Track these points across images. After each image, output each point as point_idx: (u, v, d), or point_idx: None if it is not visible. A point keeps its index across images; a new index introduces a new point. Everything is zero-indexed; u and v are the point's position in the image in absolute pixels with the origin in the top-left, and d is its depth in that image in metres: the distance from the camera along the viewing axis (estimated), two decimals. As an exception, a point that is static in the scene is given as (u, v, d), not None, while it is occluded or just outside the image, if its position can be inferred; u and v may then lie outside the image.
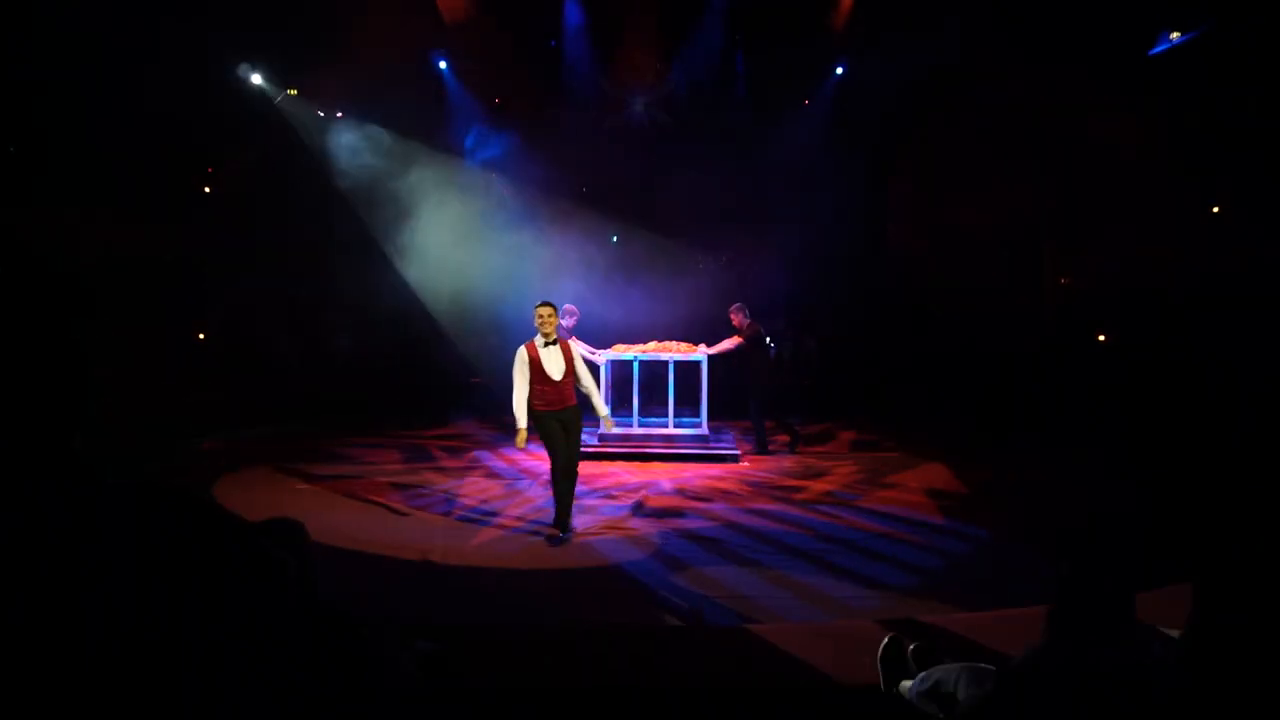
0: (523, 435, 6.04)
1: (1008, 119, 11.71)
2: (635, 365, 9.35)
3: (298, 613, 1.07)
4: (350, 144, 12.00)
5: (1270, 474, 6.73)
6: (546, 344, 5.98)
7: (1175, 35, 9.92)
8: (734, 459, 8.95)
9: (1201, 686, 1.55)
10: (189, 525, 1.01)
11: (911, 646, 3.20)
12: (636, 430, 9.29)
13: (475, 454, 9.41)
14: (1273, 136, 8.81)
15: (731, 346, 9.38)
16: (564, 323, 9.73)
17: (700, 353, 9.31)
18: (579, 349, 6.39)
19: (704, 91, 13.06)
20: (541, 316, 5.99)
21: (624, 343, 9.61)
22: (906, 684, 3.03)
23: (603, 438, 9.00)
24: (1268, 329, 8.57)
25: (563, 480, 6.07)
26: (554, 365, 5.96)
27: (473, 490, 7.63)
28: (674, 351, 9.37)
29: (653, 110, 13.32)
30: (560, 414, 6.02)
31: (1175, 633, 2.01)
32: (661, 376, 9.45)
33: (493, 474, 8.39)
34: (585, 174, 13.36)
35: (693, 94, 13.11)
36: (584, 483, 7.91)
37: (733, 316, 9.52)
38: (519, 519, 6.63)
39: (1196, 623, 1.58)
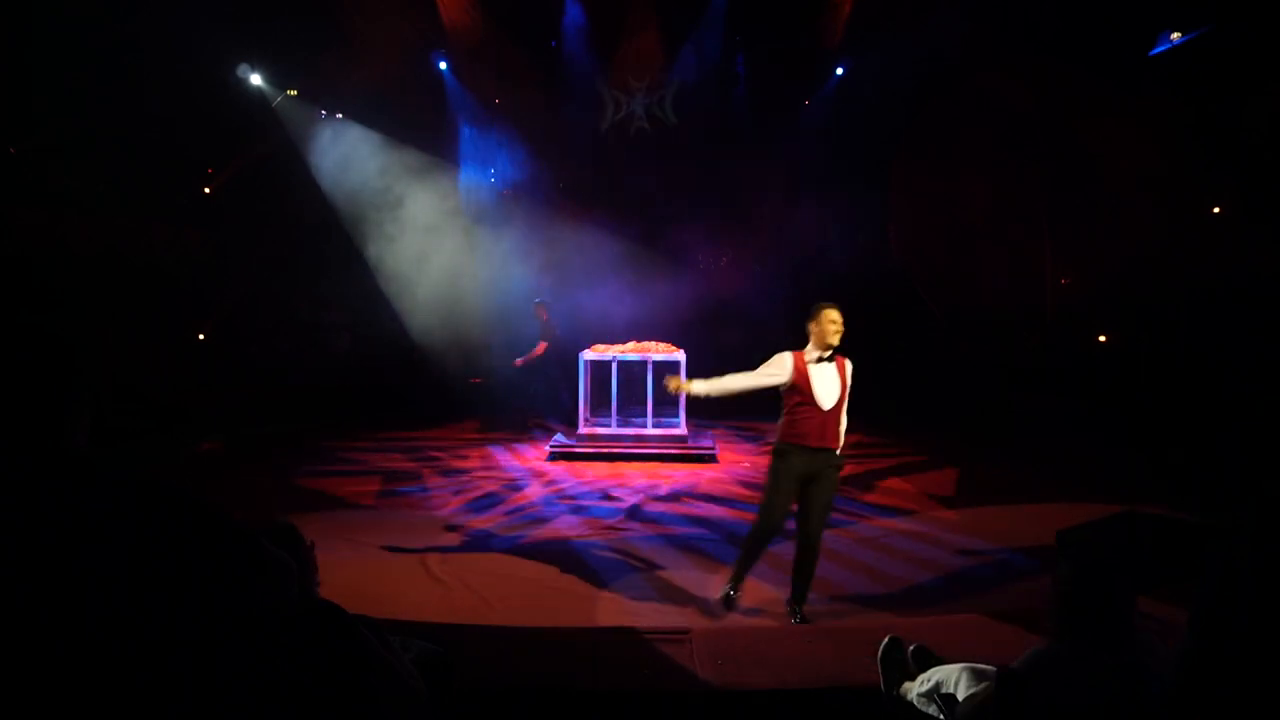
0: (681, 382, 4.58)
1: (1008, 119, 11.72)
2: (614, 366, 9.31)
3: (298, 613, 1.07)
4: (347, 146, 12.01)
5: (1270, 473, 6.72)
6: (821, 359, 4.40)
7: (1175, 35, 9.93)
8: (711, 459, 8.94)
9: (1202, 689, 1.55)
10: (189, 525, 1.01)
11: (911, 647, 3.20)
12: (615, 430, 9.25)
13: (472, 454, 9.41)
14: (1273, 137, 8.82)
15: (541, 351, 9.44)
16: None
17: (679, 355, 9.25)
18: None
19: (704, 91, 13.08)
20: (836, 322, 4.36)
21: (602, 343, 9.56)
22: (907, 684, 3.04)
23: (580, 438, 8.98)
24: (1268, 329, 8.58)
25: (759, 541, 4.52)
26: (826, 388, 4.35)
27: (472, 489, 7.63)
28: (653, 352, 9.35)
29: (653, 110, 13.34)
30: (813, 455, 4.34)
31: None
32: (641, 377, 9.39)
33: (493, 474, 8.39)
34: (584, 174, 13.38)
35: (693, 94, 13.13)
36: (569, 478, 7.95)
37: (541, 312, 9.48)
38: (515, 517, 6.63)
39: (1197, 626, 1.58)
